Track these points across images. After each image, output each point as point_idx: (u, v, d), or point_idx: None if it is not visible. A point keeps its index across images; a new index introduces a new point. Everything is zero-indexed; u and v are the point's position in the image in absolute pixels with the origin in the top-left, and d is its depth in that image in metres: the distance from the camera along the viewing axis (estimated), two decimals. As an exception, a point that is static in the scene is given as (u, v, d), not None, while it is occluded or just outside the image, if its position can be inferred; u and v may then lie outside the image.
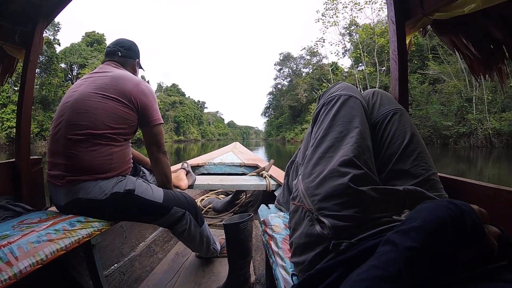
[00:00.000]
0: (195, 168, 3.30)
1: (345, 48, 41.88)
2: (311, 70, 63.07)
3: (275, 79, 73.56)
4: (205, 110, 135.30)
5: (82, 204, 1.41)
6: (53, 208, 1.57)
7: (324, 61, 57.43)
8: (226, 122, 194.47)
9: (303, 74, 65.11)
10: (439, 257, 0.52)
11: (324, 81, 50.43)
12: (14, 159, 1.76)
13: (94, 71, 1.65)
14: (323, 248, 0.80)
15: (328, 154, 0.97)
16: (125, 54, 1.78)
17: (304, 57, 66.01)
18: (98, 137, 1.43)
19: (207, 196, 3.55)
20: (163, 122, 1.72)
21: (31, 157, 1.79)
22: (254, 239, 1.88)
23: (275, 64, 73.72)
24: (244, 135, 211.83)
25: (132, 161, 1.65)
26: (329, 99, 1.14)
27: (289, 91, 66.06)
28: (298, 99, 60.50)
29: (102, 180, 1.43)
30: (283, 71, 72.76)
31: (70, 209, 1.43)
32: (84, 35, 56.41)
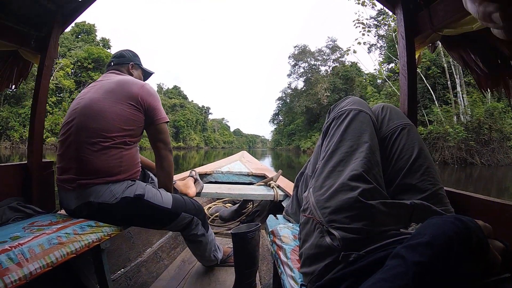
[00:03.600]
0: (203, 176, 3.31)
1: (370, 43, 36.60)
2: (330, 68, 55.66)
3: (289, 75, 64.15)
4: (210, 117, 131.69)
5: (93, 208, 1.42)
6: (63, 211, 1.59)
7: (346, 57, 50.58)
8: (232, 130, 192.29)
9: (322, 72, 56.29)
10: (445, 271, 0.54)
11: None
12: (26, 162, 1.78)
13: (98, 80, 1.73)
14: (332, 259, 0.81)
15: (338, 168, 0.99)
16: (117, 61, 1.88)
17: (323, 51, 57.11)
18: (109, 140, 1.46)
19: (214, 204, 3.55)
20: (169, 120, 1.78)
21: (42, 160, 1.81)
22: (260, 248, 1.89)
23: (289, 57, 62.07)
24: (250, 144, 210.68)
25: (140, 165, 1.68)
26: (339, 113, 1.16)
27: (306, 91, 56.01)
28: (317, 99, 50.97)
29: (112, 184, 1.45)
30: (298, 67, 61.04)
31: (80, 212, 1.45)
32: (73, 25, 53.05)
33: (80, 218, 1.42)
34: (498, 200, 1.04)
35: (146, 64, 2.04)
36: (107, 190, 1.44)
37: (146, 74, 2.09)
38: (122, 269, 1.82)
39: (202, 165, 4.12)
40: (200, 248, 1.81)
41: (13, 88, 2.05)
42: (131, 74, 1.88)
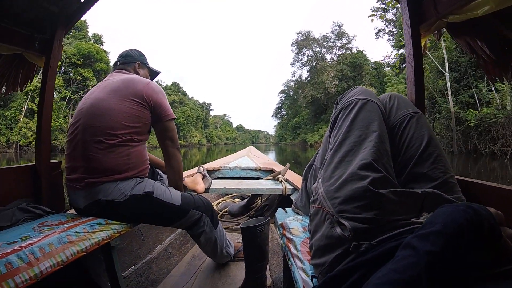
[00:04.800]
0: (211, 172, 3.32)
1: (378, 28, 35.74)
2: (336, 56, 51.63)
3: (292, 64, 59.10)
4: (212, 113, 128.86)
5: (102, 206, 1.43)
6: (73, 211, 1.60)
7: (354, 43, 46.93)
8: (234, 125, 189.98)
9: (327, 60, 52.30)
10: (457, 260, 0.53)
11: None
12: (34, 163, 1.80)
13: (104, 79, 1.75)
14: (343, 250, 0.81)
15: (347, 158, 0.99)
16: (124, 61, 1.89)
17: (328, 37, 52.93)
18: (115, 138, 1.47)
19: (223, 200, 3.57)
20: (175, 117, 1.78)
21: (51, 161, 1.83)
22: (270, 242, 1.89)
23: (292, 44, 56.74)
24: (253, 139, 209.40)
25: (148, 161, 1.68)
26: (347, 104, 1.16)
27: (311, 80, 51.35)
28: (324, 89, 47.03)
29: (121, 182, 1.46)
30: (302, 54, 55.74)
31: (89, 211, 1.46)
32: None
33: (89, 216, 1.44)
34: (510, 188, 1.03)
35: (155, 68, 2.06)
36: (115, 188, 1.44)
37: (153, 74, 2.10)
38: (133, 266, 1.84)
39: (205, 162, 4.13)
40: (211, 245, 1.80)
41: (18, 91, 2.07)
42: (137, 73, 1.89)
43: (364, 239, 0.79)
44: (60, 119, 36.23)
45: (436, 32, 1.62)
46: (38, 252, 1.04)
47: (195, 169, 2.70)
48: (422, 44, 1.62)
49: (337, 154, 1.03)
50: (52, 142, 33.02)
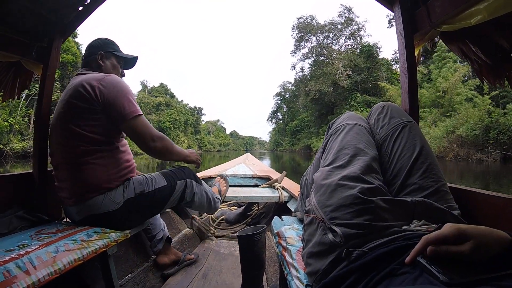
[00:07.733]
0: (207, 180, 3.33)
1: (390, 15, 32.50)
2: (342, 47, 45.67)
3: (293, 52, 50.23)
4: (204, 118, 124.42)
5: (96, 218, 1.43)
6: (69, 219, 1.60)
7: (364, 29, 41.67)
8: (228, 132, 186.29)
9: (335, 49, 45.24)
10: None
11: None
12: (31, 171, 1.80)
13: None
14: (336, 256, 0.83)
15: (337, 171, 1.03)
16: (85, 55, 1.69)
17: (335, 23, 46.05)
18: (83, 157, 1.41)
19: (220, 207, 3.55)
20: (141, 113, 1.51)
21: (48, 169, 1.83)
22: (267, 250, 1.89)
23: (292, 28, 48.95)
24: (248, 146, 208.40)
25: (132, 162, 1.64)
26: (335, 129, 1.25)
27: (317, 71, 43.76)
28: (333, 82, 40.03)
29: (109, 192, 1.45)
30: (305, 41, 48.04)
31: (84, 224, 1.45)
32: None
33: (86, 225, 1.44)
34: (502, 195, 1.05)
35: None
36: (106, 199, 1.44)
37: (127, 62, 1.85)
38: (130, 274, 1.83)
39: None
40: (205, 200, 1.89)
41: (16, 98, 2.07)
42: (99, 66, 1.66)
43: (356, 245, 0.81)
44: (11, 119, 29.39)
45: (429, 41, 1.65)
46: (36, 260, 1.04)
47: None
48: (416, 53, 1.64)
49: (327, 168, 1.08)
50: (1, 146, 27.75)
